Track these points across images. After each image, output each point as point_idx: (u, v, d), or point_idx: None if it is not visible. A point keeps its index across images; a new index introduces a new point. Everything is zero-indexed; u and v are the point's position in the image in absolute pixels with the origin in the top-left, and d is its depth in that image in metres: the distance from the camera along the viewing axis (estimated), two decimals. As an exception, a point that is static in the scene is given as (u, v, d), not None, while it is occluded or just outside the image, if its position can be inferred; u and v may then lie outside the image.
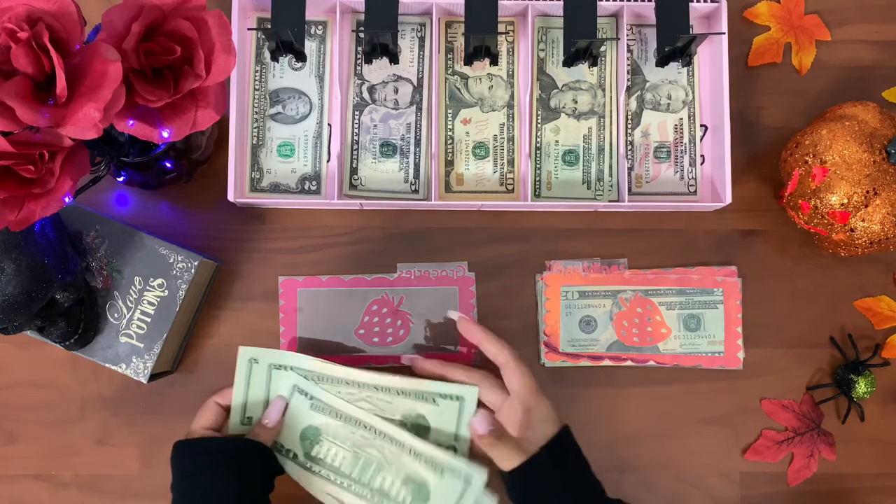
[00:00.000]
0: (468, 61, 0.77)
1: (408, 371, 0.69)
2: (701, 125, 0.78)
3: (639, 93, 0.78)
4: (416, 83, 0.77)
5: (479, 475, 0.61)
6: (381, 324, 0.75)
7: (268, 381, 0.66)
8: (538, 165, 0.77)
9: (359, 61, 0.77)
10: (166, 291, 0.69)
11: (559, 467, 0.60)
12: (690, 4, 0.73)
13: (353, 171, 0.76)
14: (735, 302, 0.76)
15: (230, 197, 0.72)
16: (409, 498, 0.63)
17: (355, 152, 0.76)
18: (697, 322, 0.76)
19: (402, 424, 0.65)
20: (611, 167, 0.77)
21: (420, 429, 0.65)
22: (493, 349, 0.65)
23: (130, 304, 0.69)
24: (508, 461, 0.60)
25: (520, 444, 0.61)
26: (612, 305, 0.76)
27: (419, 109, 0.77)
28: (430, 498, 0.62)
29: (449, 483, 0.62)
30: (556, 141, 0.77)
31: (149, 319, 0.69)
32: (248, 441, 0.62)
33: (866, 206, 0.66)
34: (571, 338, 0.76)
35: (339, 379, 0.65)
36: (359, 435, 0.65)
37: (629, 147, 0.77)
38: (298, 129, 0.76)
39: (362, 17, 0.74)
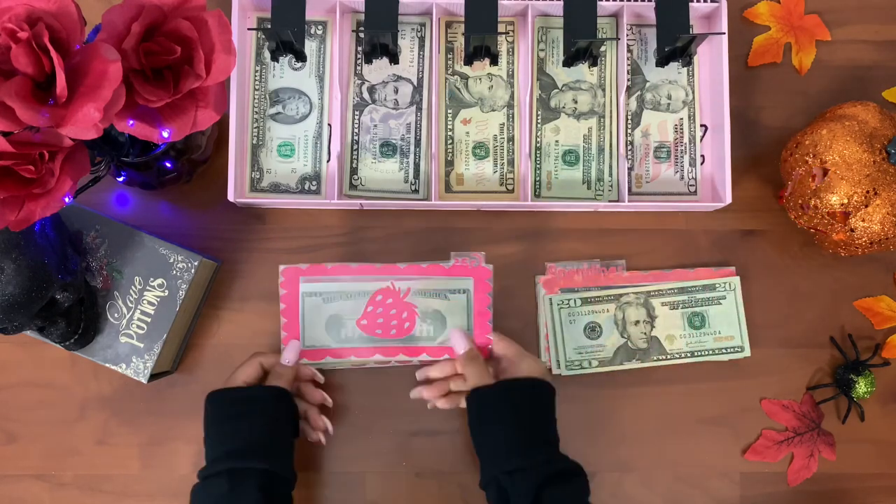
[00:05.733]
0: (468, 61, 0.77)
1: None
2: (701, 125, 0.78)
3: (639, 93, 0.78)
4: (416, 83, 0.77)
5: (471, 282, 0.74)
6: (386, 315, 0.73)
7: (302, 304, 0.74)
8: (538, 165, 0.77)
9: (359, 61, 0.77)
10: (166, 291, 0.69)
11: (504, 404, 0.65)
12: (690, 4, 0.73)
13: (353, 171, 0.76)
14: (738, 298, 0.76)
15: (230, 197, 0.72)
16: (433, 328, 0.73)
17: (355, 152, 0.76)
18: (702, 319, 0.76)
19: (423, 318, 0.74)
20: (611, 167, 0.77)
21: (438, 321, 0.74)
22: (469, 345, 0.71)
23: (130, 304, 0.69)
24: (473, 382, 0.67)
25: (487, 374, 0.68)
26: (616, 309, 0.76)
27: (419, 109, 0.76)
28: (446, 320, 0.73)
29: (454, 301, 0.73)
30: (556, 141, 0.77)
31: (149, 319, 0.69)
32: (279, 389, 0.66)
33: (866, 206, 0.66)
34: (577, 345, 0.75)
35: (367, 291, 0.73)
36: None
37: (629, 147, 0.77)
38: (298, 129, 0.76)
39: (362, 17, 0.74)
